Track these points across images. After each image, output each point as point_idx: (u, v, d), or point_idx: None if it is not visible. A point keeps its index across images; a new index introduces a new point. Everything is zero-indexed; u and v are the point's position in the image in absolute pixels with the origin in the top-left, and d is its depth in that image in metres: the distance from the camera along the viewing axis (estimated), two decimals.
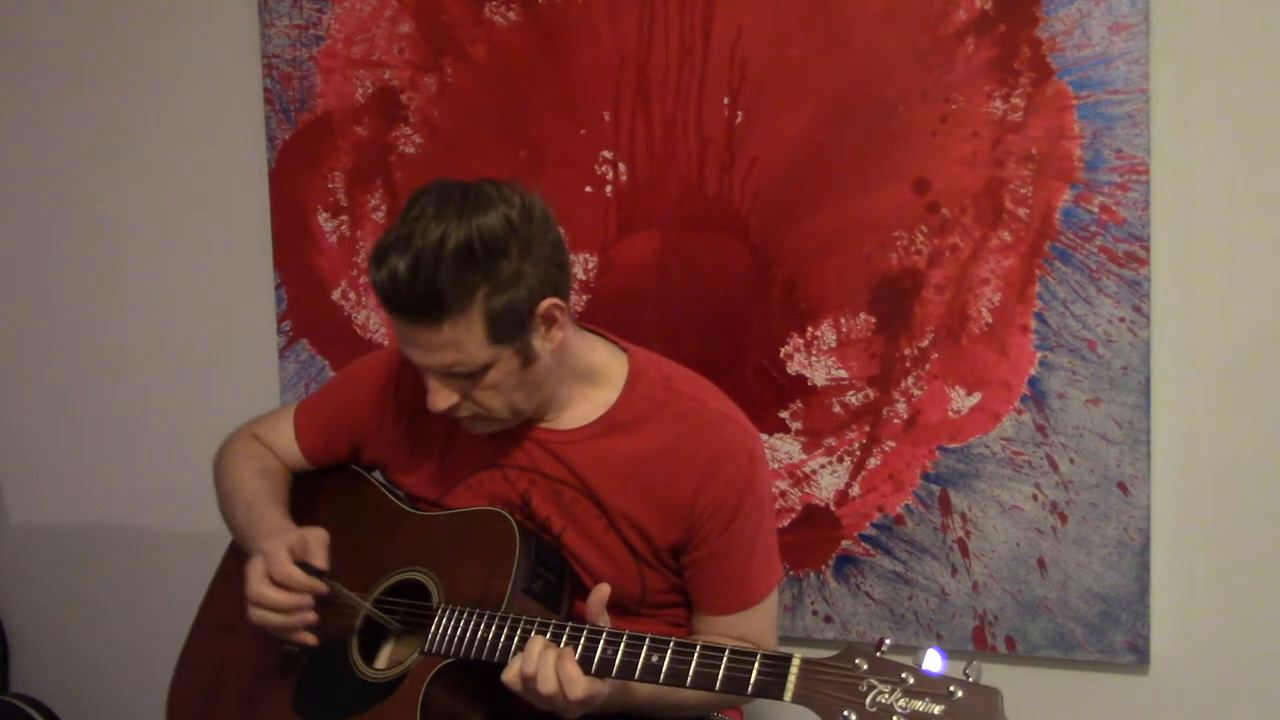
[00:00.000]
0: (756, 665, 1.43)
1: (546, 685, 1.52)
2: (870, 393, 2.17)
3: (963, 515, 2.14)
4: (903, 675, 1.33)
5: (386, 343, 2.39)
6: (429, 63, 2.35)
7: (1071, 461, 2.08)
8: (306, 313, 2.49)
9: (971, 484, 2.13)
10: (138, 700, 2.66)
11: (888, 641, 1.37)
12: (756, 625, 1.79)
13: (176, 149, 2.60)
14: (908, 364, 2.14)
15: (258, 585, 1.70)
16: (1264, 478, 2.03)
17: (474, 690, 1.70)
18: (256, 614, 1.72)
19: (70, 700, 2.84)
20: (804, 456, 2.21)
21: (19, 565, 2.88)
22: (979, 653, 2.15)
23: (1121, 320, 2.03)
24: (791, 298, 2.19)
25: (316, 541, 1.75)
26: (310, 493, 1.97)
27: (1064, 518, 2.09)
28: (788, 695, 1.40)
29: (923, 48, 2.07)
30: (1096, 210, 2.02)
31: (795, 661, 1.41)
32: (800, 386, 2.20)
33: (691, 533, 1.76)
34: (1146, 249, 2.00)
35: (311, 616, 1.72)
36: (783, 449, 2.22)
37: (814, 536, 2.23)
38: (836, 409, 2.19)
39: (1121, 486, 2.06)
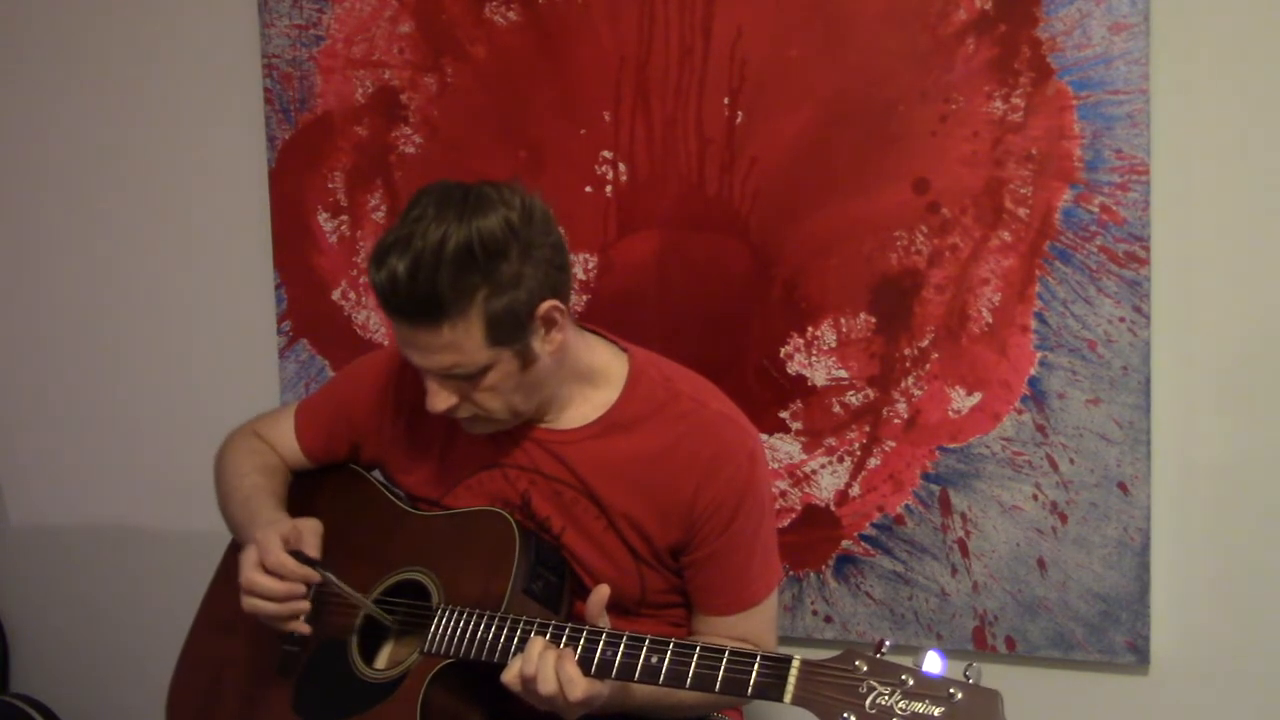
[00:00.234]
0: (756, 666, 1.43)
1: (546, 686, 1.52)
2: (870, 393, 2.17)
3: (963, 515, 2.14)
4: (902, 677, 1.33)
5: (386, 343, 2.39)
6: (429, 63, 2.35)
7: (1071, 461, 2.08)
8: (306, 313, 2.49)
9: (971, 484, 2.13)
10: (138, 700, 2.66)
11: (887, 643, 1.37)
12: (756, 626, 1.79)
13: (176, 149, 2.60)
14: (908, 364, 2.14)
15: (250, 573, 1.71)
16: (1264, 478, 2.03)
17: (474, 690, 1.70)
18: (249, 602, 1.72)
19: (70, 700, 2.84)
20: (804, 456, 2.21)
21: (19, 565, 2.88)
22: (979, 653, 2.15)
23: (1121, 320, 2.03)
24: (791, 298, 2.18)
25: (310, 531, 1.76)
26: (310, 492, 1.96)
27: (1064, 518, 2.09)
28: (787, 697, 1.40)
29: (923, 48, 2.07)
30: (1096, 210, 2.02)
31: (795, 663, 1.41)
32: (800, 386, 2.20)
33: (691, 533, 1.76)
34: (1146, 249, 2.00)
35: (304, 605, 1.73)
36: (783, 449, 2.22)
37: (814, 536, 2.23)
38: (836, 409, 2.19)
39: (1121, 486, 2.06)
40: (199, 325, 2.64)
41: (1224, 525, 2.06)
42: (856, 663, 1.36)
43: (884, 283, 2.14)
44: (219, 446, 2.00)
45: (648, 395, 1.78)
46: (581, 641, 1.55)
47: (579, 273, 2.28)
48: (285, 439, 1.98)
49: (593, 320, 1.95)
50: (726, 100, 2.18)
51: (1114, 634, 2.09)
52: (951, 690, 1.31)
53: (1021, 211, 2.05)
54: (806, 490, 2.22)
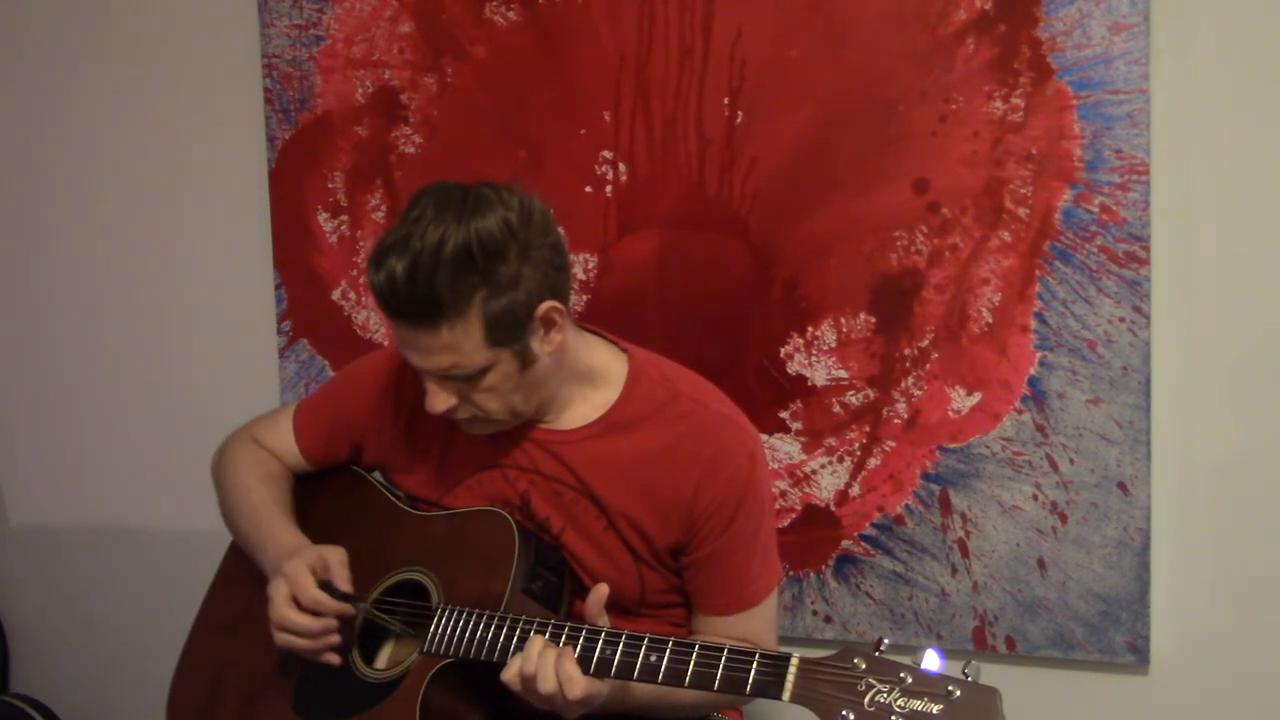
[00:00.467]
0: (755, 665, 1.43)
1: (546, 684, 1.52)
2: (870, 393, 2.17)
3: (963, 515, 2.14)
4: (901, 675, 1.33)
5: (386, 343, 2.39)
6: (429, 63, 2.35)
7: (1071, 461, 2.07)
8: (306, 313, 2.49)
9: (971, 484, 2.13)
10: (138, 700, 2.67)
11: (886, 641, 1.37)
12: (756, 626, 1.79)
13: (176, 149, 2.60)
14: (908, 364, 2.14)
15: (284, 610, 1.69)
16: (1264, 478, 2.03)
17: (473, 690, 1.70)
18: (282, 638, 1.71)
19: (70, 700, 2.84)
20: (804, 456, 2.21)
21: (19, 565, 2.88)
22: (979, 653, 2.15)
23: (1121, 320, 2.03)
24: (791, 298, 2.18)
25: (337, 562, 1.74)
26: (310, 494, 1.96)
27: (1064, 518, 2.09)
28: (786, 695, 1.40)
29: (923, 48, 2.07)
30: (1096, 210, 2.02)
31: (793, 661, 1.41)
32: (800, 386, 2.20)
33: (691, 533, 1.76)
34: (1146, 249, 2.00)
35: (337, 639, 1.72)
36: (783, 449, 2.22)
37: (814, 536, 2.23)
38: (836, 409, 2.19)
39: (1121, 486, 2.06)
40: (199, 325, 2.64)
41: (1224, 525, 2.06)
42: (855, 660, 1.36)
43: (884, 283, 2.14)
44: (215, 452, 1.99)
45: (648, 395, 1.78)
46: (580, 640, 1.55)
47: (579, 273, 2.28)
48: (284, 442, 1.97)
49: (593, 320, 1.95)
50: (726, 100, 2.18)
51: (1114, 634, 2.09)
52: (950, 688, 1.31)
53: (1021, 211, 2.05)
54: (806, 490, 2.22)
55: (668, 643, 1.50)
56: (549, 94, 2.28)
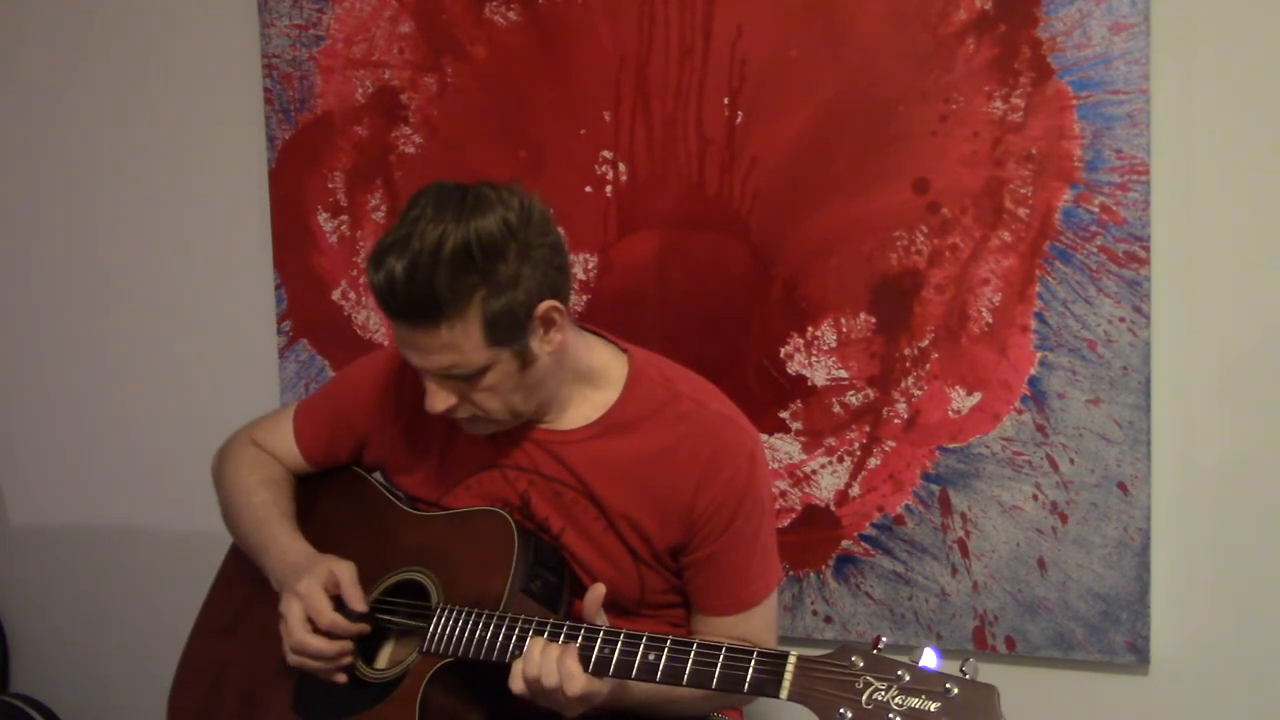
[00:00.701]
0: (753, 663, 1.43)
1: (548, 680, 1.52)
2: (870, 393, 2.17)
3: (963, 515, 2.14)
4: (899, 672, 1.33)
5: (386, 343, 2.39)
6: (429, 63, 2.35)
7: (1071, 461, 2.07)
8: (306, 313, 2.50)
9: (971, 484, 2.13)
10: (138, 701, 2.67)
11: (884, 639, 1.37)
12: (756, 627, 1.79)
13: (176, 149, 2.60)
14: (908, 364, 2.14)
15: (301, 635, 1.69)
16: (1264, 478, 2.03)
17: (472, 690, 1.70)
18: (297, 660, 1.71)
19: (70, 700, 2.84)
20: (804, 456, 2.21)
21: (19, 565, 2.88)
22: (979, 652, 2.15)
23: (1121, 320, 2.03)
24: (791, 298, 2.18)
25: (349, 580, 1.73)
26: (311, 494, 1.97)
27: (1064, 518, 2.09)
28: (784, 693, 1.40)
29: (923, 48, 2.07)
30: (1096, 210, 2.01)
31: (791, 659, 1.41)
32: (800, 386, 2.20)
33: (691, 534, 1.76)
34: (1146, 249, 2.00)
35: (351, 660, 1.73)
36: (783, 449, 2.22)
37: (814, 536, 2.23)
38: (836, 409, 2.19)
39: (1121, 486, 2.05)
40: (199, 325, 2.64)
41: (1224, 525, 2.05)
42: (853, 658, 1.36)
43: (884, 283, 2.14)
44: (215, 454, 1.99)
45: (648, 396, 1.78)
46: (579, 639, 1.55)
47: (579, 273, 2.28)
48: (284, 444, 1.97)
49: (593, 320, 1.95)
50: (726, 100, 2.18)
51: (1114, 634, 2.08)
52: (948, 685, 1.30)
53: (1021, 211, 2.05)
54: (806, 490, 2.22)
55: (666, 641, 1.50)
56: (549, 94, 2.28)
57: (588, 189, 2.27)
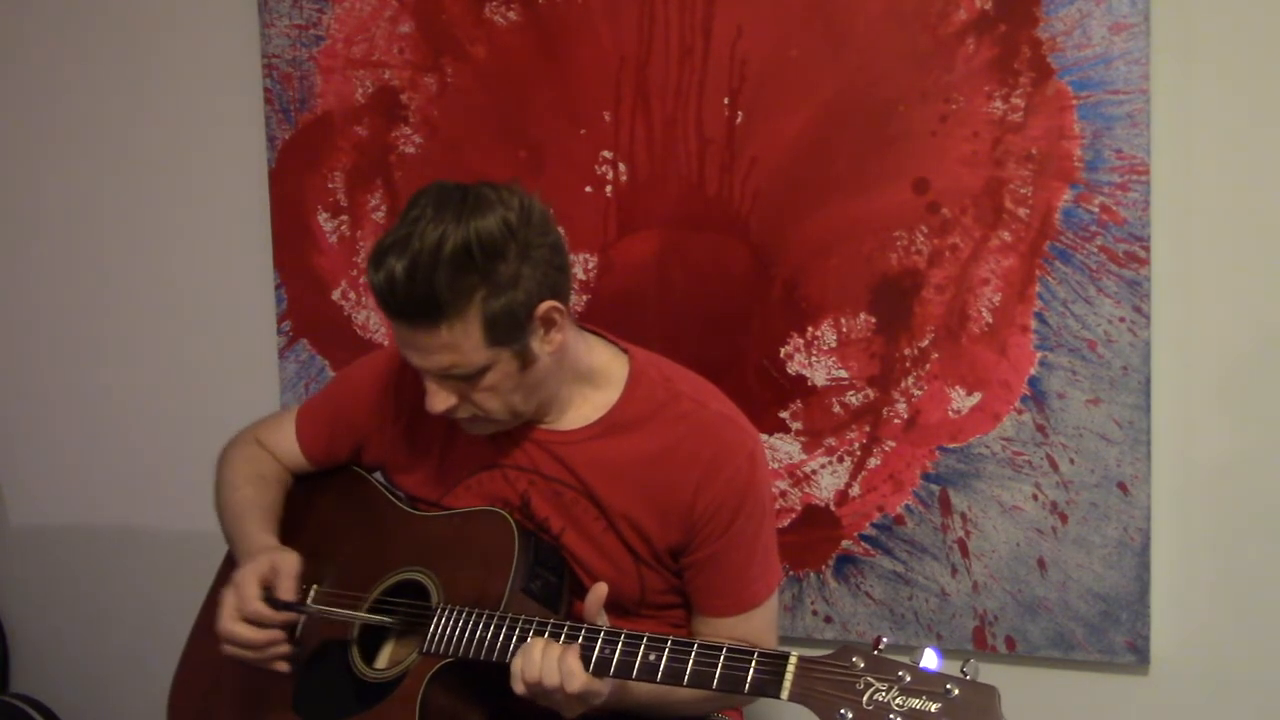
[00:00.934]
0: (753, 663, 1.43)
1: (550, 678, 1.52)
2: (870, 393, 2.17)
3: (963, 515, 2.14)
4: (899, 673, 1.33)
5: (386, 343, 2.39)
6: (429, 63, 2.35)
7: (1071, 461, 2.07)
8: (306, 313, 2.50)
9: (971, 484, 2.13)
10: (138, 701, 2.67)
11: (885, 640, 1.37)
12: (756, 627, 1.79)
13: (177, 149, 2.60)
14: (908, 364, 2.14)
15: (228, 623, 1.71)
16: (1264, 478, 2.03)
17: (473, 690, 1.70)
18: (228, 650, 1.73)
19: (70, 700, 2.84)
20: (804, 456, 2.21)
21: (19, 565, 2.88)
22: (979, 652, 2.15)
23: (1121, 320, 2.03)
24: (791, 298, 2.18)
25: (286, 572, 1.74)
26: (311, 494, 1.97)
27: (1064, 518, 2.09)
28: (784, 693, 1.39)
29: (923, 48, 2.07)
30: (1096, 210, 2.02)
31: (792, 659, 1.40)
32: (800, 386, 2.20)
33: (691, 534, 1.76)
34: (1146, 249, 2.00)
35: (284, 649, 1.73)
36: (783, 449, 2.22)
37: (814, 536, 2.23)
38: (836, 409, 2.19)
39: (1121, 486, 2.05)
40: (199, 325, 2.64)
41: (1224, 525, 2.05)
42: (853, 659, 1.36)
43: (884, 283, 2.14)
44: (220, 452, 2.00)
45: (648, 396, 1.78)
46: (580, 639, 1.55)
47: (579, 273, 2.28)
48: (286, 443, 1.97)
49: (593, 320, 1.95)
50: (726, 100, 2.18)
51: (1114, 634, 2.09)
52: (948, 686, 1.30)
53: (1021, 211, 2.05)
54: (806, 490, 2.22)
55: (666, 641, 1.50)
56: (549, 94, 2.28)
57: (588, 189, 2.27)
